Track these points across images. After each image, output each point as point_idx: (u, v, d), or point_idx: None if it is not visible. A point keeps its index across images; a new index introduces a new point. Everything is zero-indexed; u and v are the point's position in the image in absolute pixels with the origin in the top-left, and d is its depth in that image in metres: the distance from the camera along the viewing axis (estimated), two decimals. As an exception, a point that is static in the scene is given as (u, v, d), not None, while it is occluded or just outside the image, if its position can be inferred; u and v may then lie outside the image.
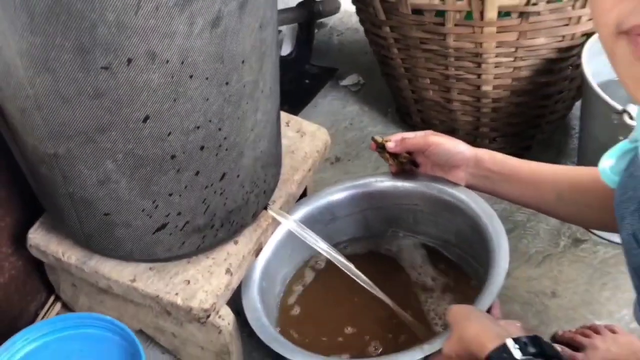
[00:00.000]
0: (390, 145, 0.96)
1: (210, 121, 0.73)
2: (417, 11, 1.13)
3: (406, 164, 1.00)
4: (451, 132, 1.25)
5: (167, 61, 0.65)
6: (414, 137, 0.96)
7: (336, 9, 1.55)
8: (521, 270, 1.13)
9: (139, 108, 0.67)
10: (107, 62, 0.63)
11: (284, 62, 1.50)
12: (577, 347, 1.01)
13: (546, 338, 1.01)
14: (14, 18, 0.60)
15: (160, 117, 0.69)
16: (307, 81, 1.51)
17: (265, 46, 0.75)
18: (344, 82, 1.51)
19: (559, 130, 1.34)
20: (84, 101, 0.66)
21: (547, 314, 1.08)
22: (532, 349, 0.69)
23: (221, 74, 0.70)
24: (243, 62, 0.72)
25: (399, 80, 1.30)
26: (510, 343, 0.69)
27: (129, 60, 0.63)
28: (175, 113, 0.69)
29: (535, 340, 0.71)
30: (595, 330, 1.03)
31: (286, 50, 1.54)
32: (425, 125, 1.32)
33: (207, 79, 0.69)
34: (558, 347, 0.99)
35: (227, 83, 0.71)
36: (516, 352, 0.68)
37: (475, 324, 0.75)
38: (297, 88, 1.49)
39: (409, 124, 1.37)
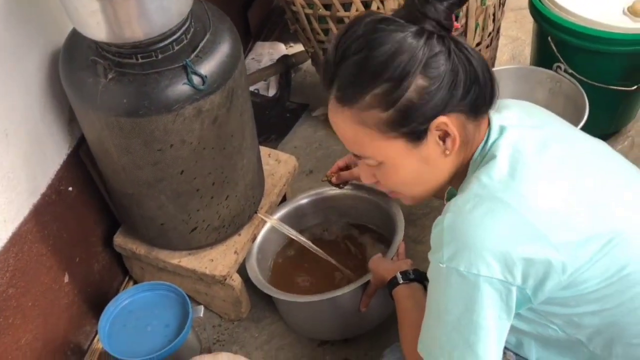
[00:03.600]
0: (333, 180, 1.44)
1: (216, 169, 1.29)
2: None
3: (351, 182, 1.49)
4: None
5: (191, 143, 1.21)
6: (344, 168, 1.41)
7: (306, 58, 2.08)
8: None
9: (177, 168, 1.23)
10: (160, 147, 1.19)
11: (270, 101, 2.05)
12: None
13: None
14: (111, 129, 1.17)
15: (189, 171, 1.25)
16: (287, 115, 1.99)
17: (244, 123, 1.31)
18: (315, 113, 2.00)
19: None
20: (148, 167, 1.22)
21: None
22: (411, 276, 1.19)
23: (220, 144, 1.26)
24: (232, 135, 1.28)
25: (348, 113, 1.84)
26: (398, 274, 1.19)
27: (171, 145, 1.19)
28: (197, 168, 1.26)
29: (415, 271, 1.20)
30: None
31: (272, 92, 2.07)
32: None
33: (212, 148, 1.25)
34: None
35: (224, 148, 1.27)
36: (400, 279, 1.19)
37: (382, 266, 1.27)
38: (281, 120, 1.97)
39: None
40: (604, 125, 1.76)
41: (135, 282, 1.60)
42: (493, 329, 0.85)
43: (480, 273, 0.82)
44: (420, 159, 0.89)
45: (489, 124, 0.93)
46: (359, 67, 0.85)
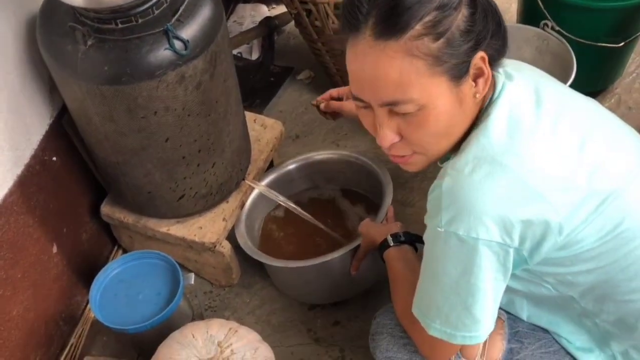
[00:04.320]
0: (322, 107, 1.40)
1: (202, 136, 1.27)
2: (337, 32, 1.65)
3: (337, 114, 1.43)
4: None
5: (175, 109, 1.19)
6: (337, 105, 1.37)
7: (289, 20, 2.04)
8: (421, 202, 1.65)
9: (162, 135, 1.22)
10: (144, 114, 1.17)
11: (254, 65, 2.02)
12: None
13: None
14: (93, 97, 1.15)
15: (174, 138, 1.24)
16: (272, 79, 1.97)
17: (229, 89, 1.29)
18: (300, 77, 1.98)
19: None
20: (132, 134, 1.21)
21: None
22: (402, 238, 1.19)
23: (205, 111, 1.24)
24: (217, 102, 1.26)
25: (333, 76, 1.83)
26: (388, 237, 1.20)
27: (155, 112, 1.18)
28: (183, 135, 1.24)
29: (405, 233, 1.21)
30: None
31: (255, 56, 2.04)
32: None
33: (197, 115, 1.23)
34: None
35: (209, 115, 1.25)
36: (391, 241, 1.19)
37: (372, 230, 1.28)
38: (265, 85, 1.95)
39: (347, 105, 1.89)
40: (591, 83, 1.75)
41: (125, 251, 1.60)
42: (490, 291, 0.86)
43: (479, 237, 0.82)
44: (457, 100, 0.86)
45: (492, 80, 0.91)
46: None
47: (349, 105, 1.36)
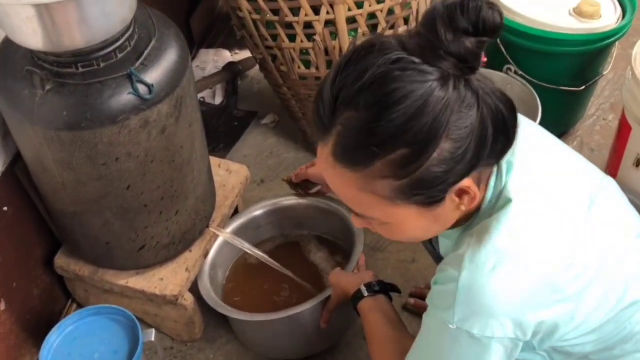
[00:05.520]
0: (293, 179, 1.43)
1: (165, 183, 1.22)
2: (303, 77, 1.63)
3: (312, 189, 1.47)
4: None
5: (137, 155, 1.14)
6: (304, 171, 1.39)
7: (253, 65, 2.03)
8: (392, 246, 1.63)
9: (123, 182, 1.16)
10: (104, 161, 1.11)
11: (217, 110, 1.99)
12: (425, 298, 1.47)
13: (408, 290, 1.49)
14: (51, 144, 1.08)
15: (136, 185, 1.18)
16: (235, 123, 1.94)
17: (194, 133, 1.25)
18: (264, 121, 1.96)
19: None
20: (92, 182, 1.14)
21: (408, 274, 1.58)
22: (376, 288, 1.15)
23: (169, 156, 1.19)
24: (181, 147, 1.21)
25: (299, 120, 1.80)
26: (362, 287, 1.15)
27: (117, 159, 1.12)
28: (145, 182, 1.18)
29: (379, 282, 1.16)
30: None
31: (218, 100, 2.01)
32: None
33: (161, 161, 1.18)
34: (411, 299, 1.47)
35: (173, 160, 1.20)
36: (364, 291, 1.15)
37: (343, 280, 1.23)
38: (229, 129, 1.92)
39: (313, 150, 1.86)
40: (554, 126, 1.73)
41: (80, 306, 1.51)
42: None
43: (494, 335, 0.77)
44: (432, 218, 0.79)
45: None
46: (369, 128, 0.69)
47: (314, 170, 1.38)
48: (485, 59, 0.69)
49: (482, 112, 0.70)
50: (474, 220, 0.84)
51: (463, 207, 0.79)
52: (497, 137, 0.73)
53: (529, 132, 0.87)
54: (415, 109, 0.68)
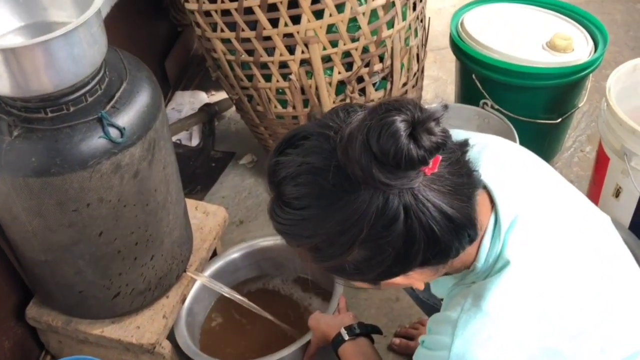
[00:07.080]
0: None
1: (139, 228, 1.19)
2: (280, 117, 1.62)
3: None
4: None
5: (110, 201, 1.11)
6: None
7: (229, 105, 2.02)
8: None
9: (95, 228, 1.13)
10: (75, 207, 1.08)
11: (194, 151, 1.97)
12: (411, 337, 1.41)
13: (393, 330, 1.45)
14: (19, 191, 1.05)
15: (108, 231, 1.15)
16: (213, 164, 1.92)
17: (168, 176, 1.22)
18: (242, 162, 1.94)
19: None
20: (62, 229, 1.11)
21: (393, 313, 1.55)
22: (357, 331, 1.12)
23: (142, 201, 1.16)
24: (155, 190, 1.18)
25: (277, 160, 1.78)
26: (342, 330, 1.13)
27: (88, 204, 1.09)
28: (118, 227, 1.15)
29: (360, 324, 1.14)
30: (423, 323, 1.43)
31: (195, 142, 1.99)
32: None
33: (134, 205, 1.15)
34: (397, 339, 1.44)
35: (147, 205, 1.17)
36: (345, 335, 1.12)
37: (323, 323, 1.20)
38: (206, 171, 1.89)
39: (292, 188, 1.84)
40: (532, 159, 1.77)
41: (54, 358, 1.46)
42: None
43: None
44: (409, 279, 0.76)
45: (493, 204, 0.78)
46: (294, 225, 0.71)
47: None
48: (437, 163, 0.66)
49: (411, 226, 0.66)
50: (467, 276, 0.80)
51: (442, 269, 0.76)
52: (427, 252, 0.69)
53: (536, 175, 0.87)
54: (339, 224, 0.68)
